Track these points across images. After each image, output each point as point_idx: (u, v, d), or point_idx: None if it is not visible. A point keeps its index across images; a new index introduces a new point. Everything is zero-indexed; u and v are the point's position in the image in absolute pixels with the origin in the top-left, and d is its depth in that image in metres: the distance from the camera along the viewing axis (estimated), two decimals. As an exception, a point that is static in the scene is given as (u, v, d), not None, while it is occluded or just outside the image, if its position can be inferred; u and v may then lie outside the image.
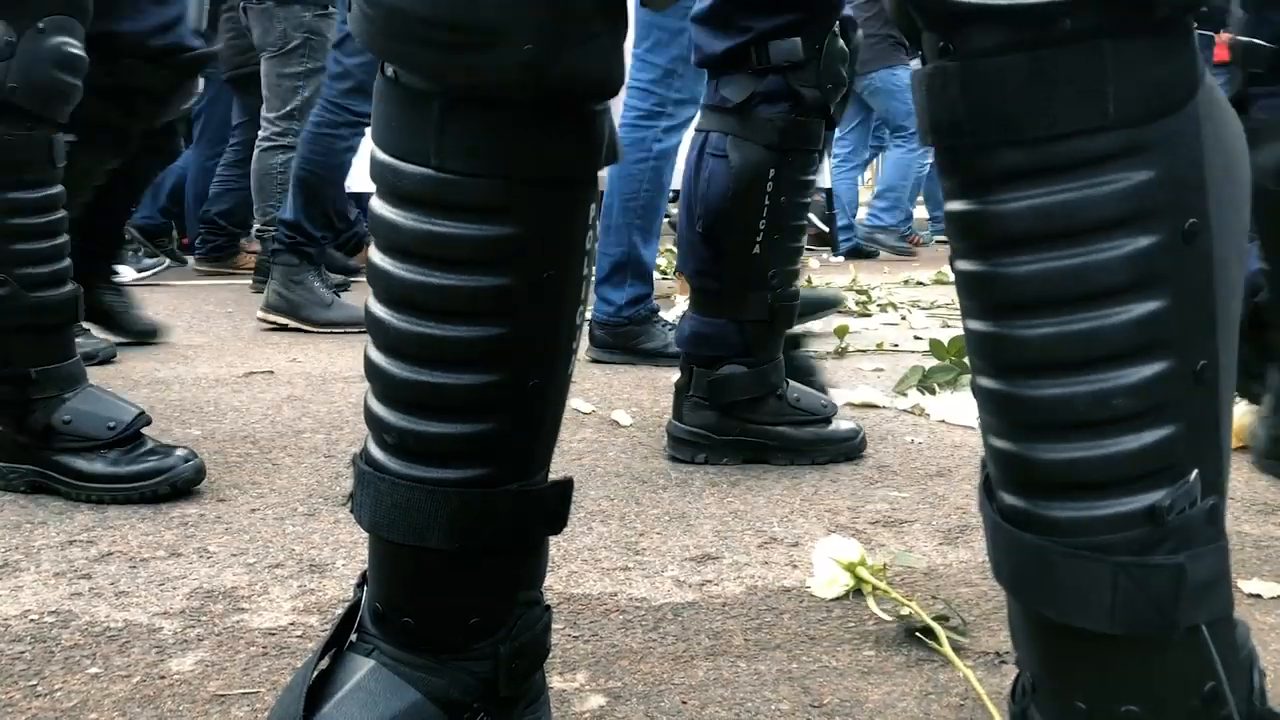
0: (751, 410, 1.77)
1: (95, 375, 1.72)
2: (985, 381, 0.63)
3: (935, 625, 1.07)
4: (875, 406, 2.19)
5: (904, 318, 3.48)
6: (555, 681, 1.01)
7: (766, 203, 1.69)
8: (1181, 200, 0.57)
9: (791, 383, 1.81)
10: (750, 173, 1.69)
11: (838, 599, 1.21)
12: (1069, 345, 0.59)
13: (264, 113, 3.68)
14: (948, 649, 1.04)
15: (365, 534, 0.80)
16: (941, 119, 0.60)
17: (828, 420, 1.81)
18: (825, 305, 3.09)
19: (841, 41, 1.70)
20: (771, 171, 1.68)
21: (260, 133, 3.72)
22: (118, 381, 1.68)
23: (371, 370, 0.76)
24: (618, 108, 2.45)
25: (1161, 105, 0.57)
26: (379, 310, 0.75)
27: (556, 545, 1.34)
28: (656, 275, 3.08)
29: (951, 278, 0.66)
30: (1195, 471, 0.60)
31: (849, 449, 1.81)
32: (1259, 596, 1.22)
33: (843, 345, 2.83)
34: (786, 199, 1.70)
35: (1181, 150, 0.57)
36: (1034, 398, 0.60)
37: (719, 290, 1.75)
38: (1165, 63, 0.57)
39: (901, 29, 0.64)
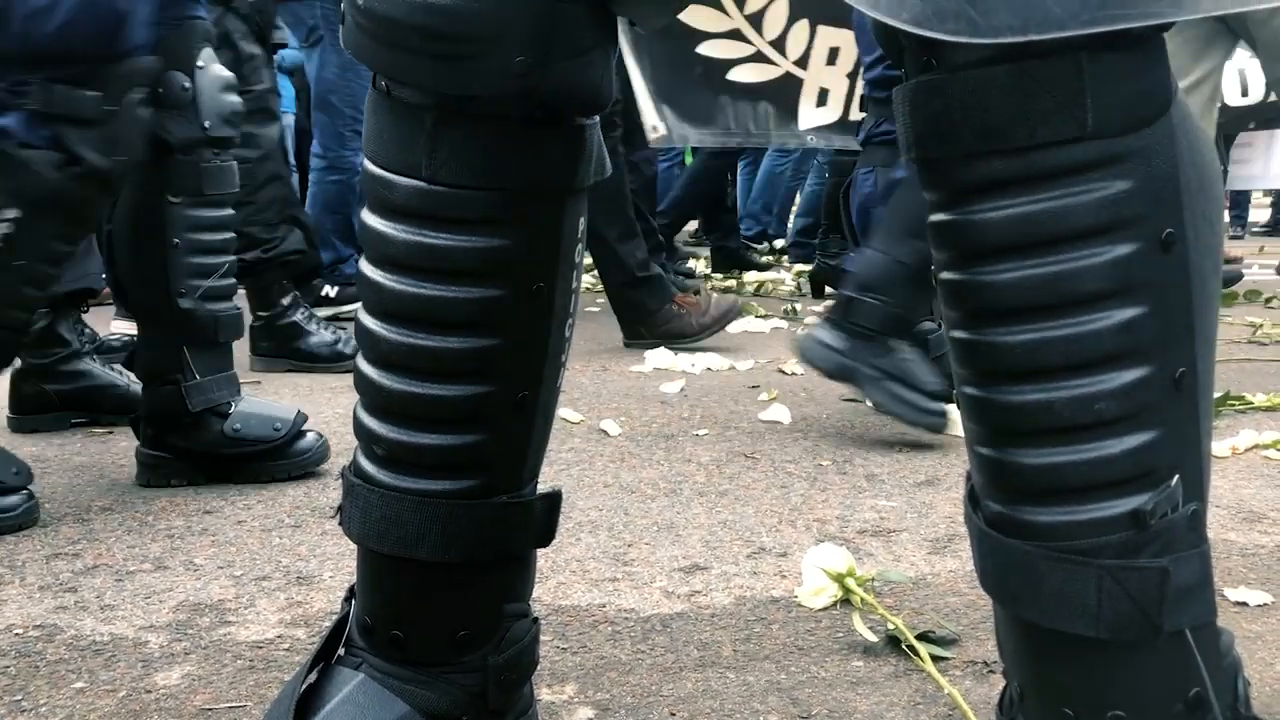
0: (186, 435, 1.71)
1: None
2: (969, 389, 0.64)
3: (919, 644, 1.07)
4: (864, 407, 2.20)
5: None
6: (544, 694, 1.01)
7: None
8: (1159, 210, 0.59)
9: (237, 409, 1.73)
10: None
11: (826, 609, 1.21)
12: (1051, 350, 0.59)
13: None
14: (930, 666, 1.04)
15: (353, 545, 0.80)
16: (925, 131, 0.61)
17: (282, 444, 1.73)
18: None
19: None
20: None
21: None
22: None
23: (361, 382, 0.77)
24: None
25: (1138, 117, 0.58)
26: (369, 322, 0.75)
27: (545, 556, 1.34)
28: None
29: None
30: (1177, 477, 0.61)
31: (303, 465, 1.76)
32: (1245, 604, 1.22)
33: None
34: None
35: (1158, 161, 0.59)
36: (1016, 403, 0.61)
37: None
38: (1141, 76, 0.59)
39: (883, 47, 0.65)
